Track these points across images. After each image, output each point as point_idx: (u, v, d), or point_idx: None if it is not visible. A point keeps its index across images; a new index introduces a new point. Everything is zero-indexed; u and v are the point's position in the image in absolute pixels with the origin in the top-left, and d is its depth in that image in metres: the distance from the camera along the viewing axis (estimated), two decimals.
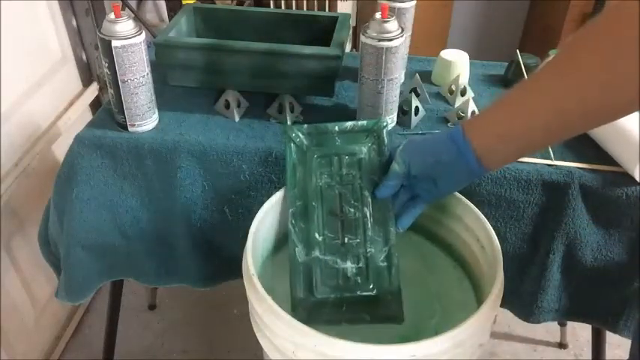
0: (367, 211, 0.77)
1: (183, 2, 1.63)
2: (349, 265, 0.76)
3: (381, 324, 0.75)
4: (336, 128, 0.80)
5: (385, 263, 0.76)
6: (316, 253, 0.76)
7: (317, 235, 0.76)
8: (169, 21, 1.18)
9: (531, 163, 0.87)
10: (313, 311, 0.74)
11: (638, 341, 0.73)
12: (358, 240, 0.77)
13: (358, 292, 0.75)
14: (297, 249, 0.76)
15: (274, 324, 0.62)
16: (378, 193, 0.76)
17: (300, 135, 0.80)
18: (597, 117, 0.56)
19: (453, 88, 1.02)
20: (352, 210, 0.77)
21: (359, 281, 0.75)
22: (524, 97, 0.59)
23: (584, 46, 0.53)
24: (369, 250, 0.76)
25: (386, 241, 0.77)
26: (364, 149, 0.79)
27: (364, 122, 0.80)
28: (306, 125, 0.80)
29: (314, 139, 0.80)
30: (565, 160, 0.87)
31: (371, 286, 0.75)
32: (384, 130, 0.80)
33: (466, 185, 0.71)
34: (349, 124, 0.80)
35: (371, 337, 0.62)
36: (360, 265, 0.76)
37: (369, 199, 0.77)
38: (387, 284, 0.75)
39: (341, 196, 0.78)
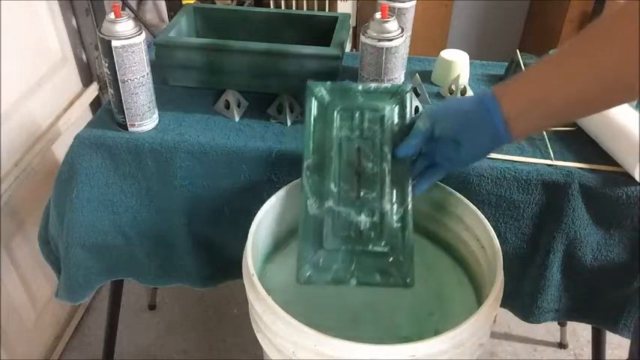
0: (386, 167, 0.75)
1: (183, 2, 1.63)
2: (363, 219, 0.73)
3: (390, 287, 0.72)
4: (360, 87, 0.79)
5: (400, 224, 0.73)
6: (330, 203, 0.73)
7: (332, 186, 0.74)
8: (169, 21, 1.18)
9: (531, 163, 0.87)
10: (322, 266, 0.72)
11: (637, 341, 0.73)
12: (374, 194, 0.74)
13: (370, 247, 0.72)
14: (309, 201, 0.74)
15: (274, 324, 0.62)
16: (398, 151, 0.75)
17: (323, 90, 0.79)
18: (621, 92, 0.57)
19: (453, 88, 1.02)
20: (370, 165, 0.75)
21: (372, 236, 0.73)
22: (563, 61, 0.60)
23: (606, 26, 0.55)
24: (384, 206, 0.74)
25: (402, 202, 0.74)
26: (387, 107, 0.78)
27: (388, 85, 0.79)
28: (329, 82, 0.80)
29: (336, 95, 0.79)
30: (565, 160, 0.87)
31: (383, 243, 0.73)
32: (408, 94, 0.78)
33: (488, 153, 0.69)
34: (373, 85, 0.79)
35: (371, 336, 0.62)
36: (375, 219, 0.73)
37: (389, 157, 0.75)
38: (400, 245, 0.73)
39: (360, 150, 0.76)
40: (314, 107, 0.78)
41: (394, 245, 0.73)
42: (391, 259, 0.72)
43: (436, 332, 0.66)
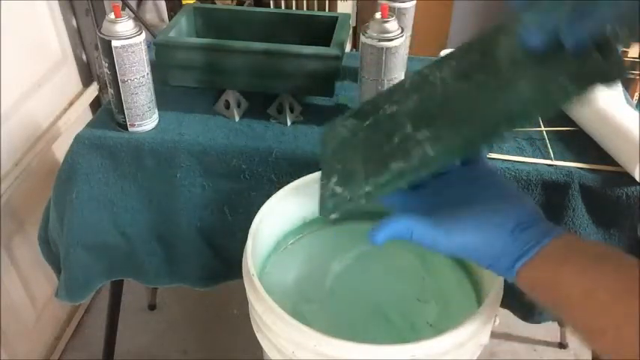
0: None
1: (183, 2, 1.63)
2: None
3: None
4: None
5: None
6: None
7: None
8: (169, 21, 1.18)
9: (531, 163, 0.87)
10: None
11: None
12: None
13: None
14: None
15: (274, 324, 0.62)
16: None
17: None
18: None
19: None
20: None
21: None
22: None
23: None
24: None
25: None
26: None
27: None
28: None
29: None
30: (565, 160, 0.87)
31: None
32: None
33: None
34: None
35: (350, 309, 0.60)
36: None
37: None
38: None
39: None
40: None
41: None
42: None
43: (433, 328, 0.66)
